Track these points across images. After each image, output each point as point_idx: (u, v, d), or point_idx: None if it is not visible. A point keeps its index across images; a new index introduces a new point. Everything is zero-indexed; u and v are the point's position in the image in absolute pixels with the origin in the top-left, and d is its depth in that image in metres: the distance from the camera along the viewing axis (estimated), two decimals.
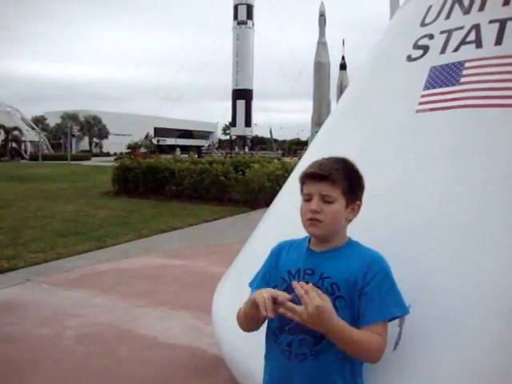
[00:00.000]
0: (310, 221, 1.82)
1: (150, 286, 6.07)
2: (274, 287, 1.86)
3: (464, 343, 1.84)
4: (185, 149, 70.70)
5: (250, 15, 58.20)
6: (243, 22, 57.53)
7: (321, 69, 26.93)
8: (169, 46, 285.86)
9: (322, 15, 27.95)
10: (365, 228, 2.08)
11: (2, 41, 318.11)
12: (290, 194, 3.22)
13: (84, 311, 5.12)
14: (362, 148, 2.67)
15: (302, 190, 1.90)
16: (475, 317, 1.87)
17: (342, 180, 1.81)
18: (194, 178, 15.32)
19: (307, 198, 1.84)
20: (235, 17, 57.90)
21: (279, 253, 2.00)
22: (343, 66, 30.78)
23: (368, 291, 1.76)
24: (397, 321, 1.90)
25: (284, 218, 3.00)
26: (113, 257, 7.68)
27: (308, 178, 1.85)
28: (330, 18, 28.43)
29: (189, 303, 5.35)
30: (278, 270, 1.95)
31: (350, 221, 1.90)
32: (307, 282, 1.69)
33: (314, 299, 1.59)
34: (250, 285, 2.05)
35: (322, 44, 27.28)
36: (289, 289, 1.78)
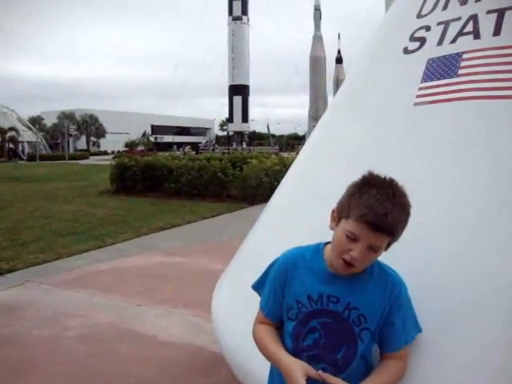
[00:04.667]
0: (345, 262, 1.64)
1: (149, 285, 6.05)
2: (288, 310, 1.79)
3: (468, 338, 1.82)
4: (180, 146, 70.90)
5: (244, 10, 57.87)
6: (238, 18, 57.22)
7: (317, 63, 26.90)
8: (164, 44, 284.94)
9: (317, 9, 27.89)
10: None
11: None
12: (288, 190, 3.20)
13: (84, 311, 5.10)
14: (360, 143, 2.65)
15: (344, 218, 1.66)
16: (478, 312, 1.84)
17: (399, 233, 1.64)
18: (192, 174, 15.31)
19: (351, 237, 1.61)
20: (230, 12, 57.60)
21: (291, 269, 1.81)
22: (339, 60, 30.75)
23: (395, 320, 1.73)
24: None
25: (282, 216, 2.98)
26: (112, 256, 7.66)
27: (367, 224, 1.57)
28: (326, 11, 28.37)
29: (189, 301, 5.33)
30: (290, 290, 1.79)
31: None
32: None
33: None
34: (262, 308, 1.90)
35: (317, 38, 27.22)
36: (308, 315, 1.74)
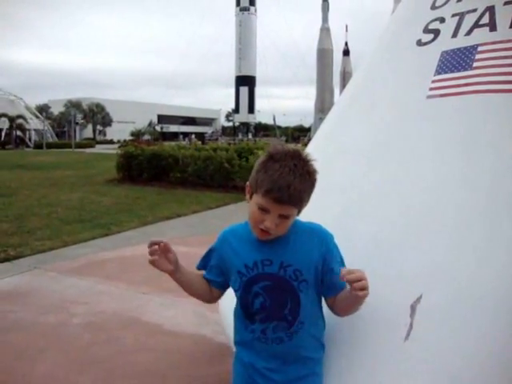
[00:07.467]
0: (261, 231, 1.79)
1: (154, 273, 5.96)
2: (234, 283, 1.98)
3: (464, 332, 1.81)
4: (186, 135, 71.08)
5: (252, 1, 57.55)
6: (246, 9, 56.93)
7: (324, 55, 26.75)
8: (171, 34, 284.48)
9: (325, 1, 27.67)
10: (377, 217, 2.05)
11: (1, 28, 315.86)
12: None
13: (90, 299, 5.13)
14: (371, 135, 2.63)
15: (255, 192, 1.79)
16: (476, 308, 1.83)
17: (306, 201, 1.80)
18: (198, 164, 15.27)
19: (263, 209, 1.75)
20: (238, 3, 57.31)
21: (224, 246, 2.01)
22: (346, 52, 30.63)
23: (333, 267, 1.85)
24: (408, 311, 1.88)
25: None
26: (118, 244, 7.69)
27: (272, 199, 1.71)
28: (334, 3, 28.15)
29: None
30: (230, 265, 1.97)
31: None
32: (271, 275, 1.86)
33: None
34: (204, 272, 2.12)
35: (325, 30, 27.04)
36: (249, 282, 1.90)
